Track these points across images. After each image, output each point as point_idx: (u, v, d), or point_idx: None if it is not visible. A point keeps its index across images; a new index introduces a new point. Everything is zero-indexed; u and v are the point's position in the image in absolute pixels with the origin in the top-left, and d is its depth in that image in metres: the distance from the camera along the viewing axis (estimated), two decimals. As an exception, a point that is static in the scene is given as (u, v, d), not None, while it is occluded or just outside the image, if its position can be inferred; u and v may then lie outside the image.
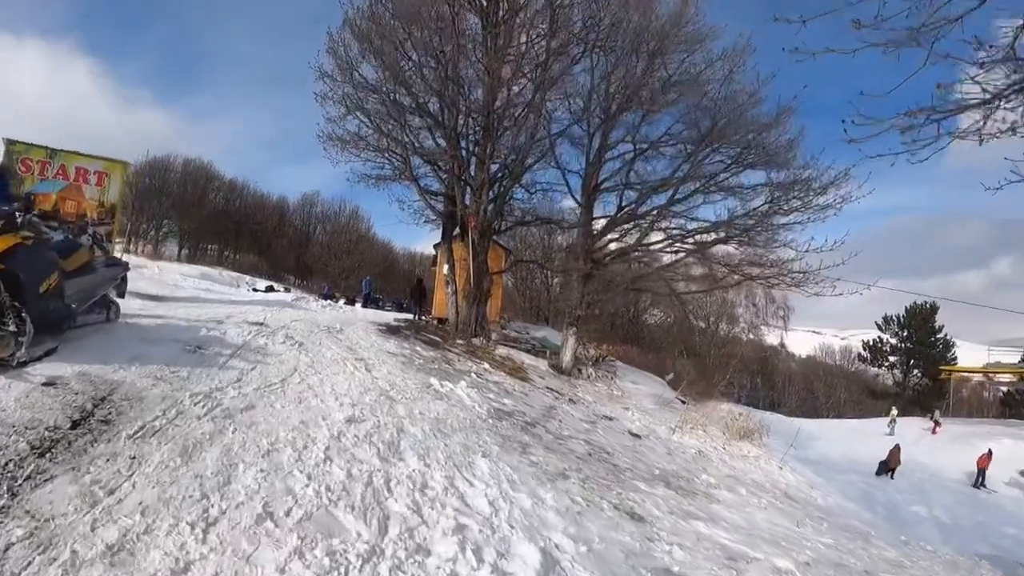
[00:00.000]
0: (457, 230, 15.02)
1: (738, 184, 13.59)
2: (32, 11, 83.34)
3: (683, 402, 16.03)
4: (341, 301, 25.97)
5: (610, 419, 10.14)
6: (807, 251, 12.77)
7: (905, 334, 45.37)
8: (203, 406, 4.40)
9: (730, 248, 13.90)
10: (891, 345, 46.23)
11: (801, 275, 13.01)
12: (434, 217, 16.40)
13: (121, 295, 6.86)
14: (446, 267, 14.95)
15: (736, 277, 13.86)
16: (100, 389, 4.33)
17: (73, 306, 5.05)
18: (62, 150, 10.14)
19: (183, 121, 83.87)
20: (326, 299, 25.40)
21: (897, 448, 20.04)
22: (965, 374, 40.61)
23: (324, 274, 47.01)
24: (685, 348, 38.91)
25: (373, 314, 17.79)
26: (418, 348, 9.86)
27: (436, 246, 19.08)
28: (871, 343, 47.30)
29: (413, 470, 4.15)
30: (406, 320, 16.09)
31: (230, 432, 3.99)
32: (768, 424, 15.86)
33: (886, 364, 46.70)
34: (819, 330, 40.51)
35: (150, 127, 67.02)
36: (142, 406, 4.17)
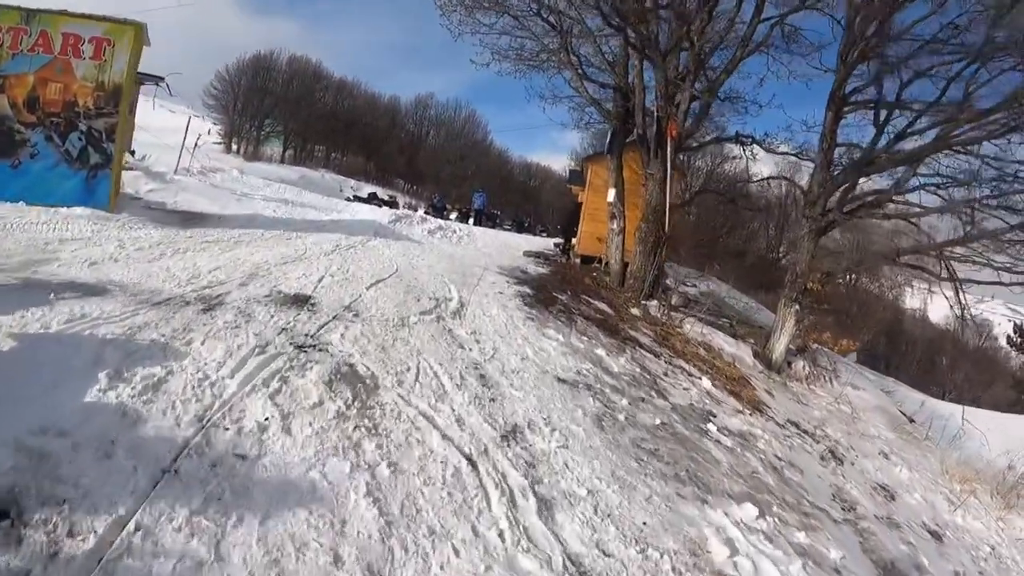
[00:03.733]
0: (631, 139, 10.46)
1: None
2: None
3: (911, 420, 10.88)
4: (453, 215, 22.67)
5: (892, 496, 5.78)
6: None
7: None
8: None
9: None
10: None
11: None
12: (599, 119, 11.78)
13: None
14: (612, 192, 10.53)
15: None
16: None
17: None
18: (42, 11, 6.89)
19: (310, 26, 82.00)
20: (437, 213, 22.22)
21: None
22: None
23: (435, 180, 43.45)
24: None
25: (496, 242, 14.03)
26: (599, 350, 5.71)
27: (585, 160, 14.60)
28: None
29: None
30: (547, 259, 12.17)
31: None
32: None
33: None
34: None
35: (281, 34, 64.92)
36: None
